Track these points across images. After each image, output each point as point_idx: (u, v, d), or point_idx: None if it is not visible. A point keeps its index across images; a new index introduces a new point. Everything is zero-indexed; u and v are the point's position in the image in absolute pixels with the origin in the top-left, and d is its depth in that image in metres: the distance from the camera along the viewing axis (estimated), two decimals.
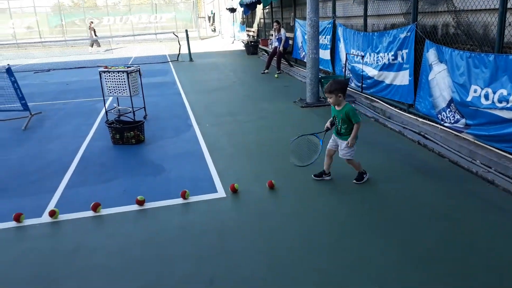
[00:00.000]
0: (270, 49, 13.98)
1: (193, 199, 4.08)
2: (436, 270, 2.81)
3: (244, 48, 19.69)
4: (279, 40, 12.12)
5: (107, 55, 20.07)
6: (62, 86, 11.42)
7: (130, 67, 6.89)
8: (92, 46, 23.01)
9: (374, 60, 7.15)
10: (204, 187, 4.36)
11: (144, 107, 7.43)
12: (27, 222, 3.75)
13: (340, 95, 3.92)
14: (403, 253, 3.03)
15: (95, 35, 22.88)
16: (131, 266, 3.03)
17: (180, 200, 4.05)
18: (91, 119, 7.45)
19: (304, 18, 12.03)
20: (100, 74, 6.84)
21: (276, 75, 11.73)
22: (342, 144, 4.10)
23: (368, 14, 7.67)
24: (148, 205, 3.96)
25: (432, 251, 3.03)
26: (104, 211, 3.88)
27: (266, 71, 12.29)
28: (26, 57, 20.71)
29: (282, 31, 12.04)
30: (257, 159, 5.15)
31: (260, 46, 16.53)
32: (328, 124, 4.25)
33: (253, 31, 20.03)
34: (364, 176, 4.25)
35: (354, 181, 4.24)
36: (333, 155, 4.27)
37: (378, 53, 6.99)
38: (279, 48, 12.10)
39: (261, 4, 15.00)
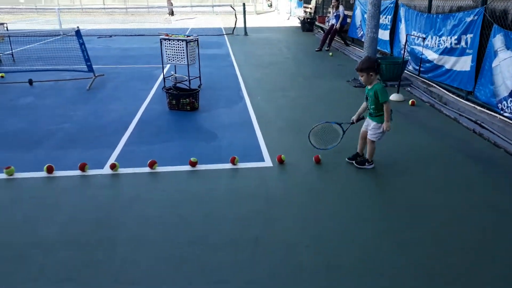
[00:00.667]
0: (327, 26, 13.73)
1: (241, 165, 4.27)
2: (484, 260, 2.82)
3: (299, 25, 19.44)
4: (337, 17, 11.88)
5: (166, 25, 20.57)
6: (123, 52, 11.97)
7: (189, 36, 7.11)
8: (171, 14, 24.36)
9: (435, 43, 6.89)
10: (253, 155, 4.53)
11: (200, 77, 7.67)
12: (91, 172, 4.11)
13: (371, 74, 3.84)
14: (441, 243, 3.05)
15: (172, 4, 24.05)
16: (182, 220, 3.28)
17: (229, 165, 4.25)
18: (149, 84, 7.82)
19: None
20: (160, 42, 7.12)
21: (330, 53, 11.57)
22: (371, 124, 4.03)
23: None
24: (200, 167, 4.20)
25: (478, 242, 3.03)
26: (159, 169, 4.17)
27: (322, 48, 12.15)
28: (90, 22, 21.69)
29: (341, 8, 11.77)
30: (305, 134, 5.22)
31: (317, 23, 16.26)
32: (354, 117, 4.22)
33: (311, 8, 19.66)
34: (367, 165, 4.17)
35: (355, 163, 4.22)
36: (365, 136, 4.20)
37: (440, 36, 6.72)
38: (336, 25, 11.87)
39: None
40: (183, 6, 28.28)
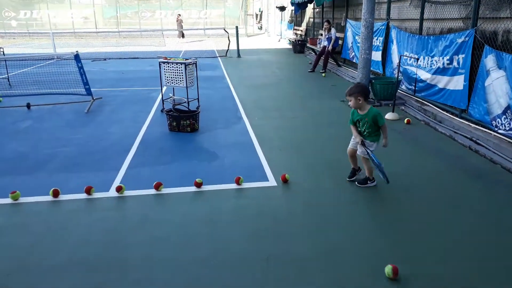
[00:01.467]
0: (318, 48, 14.04)
1: (246, 185, 4.31)
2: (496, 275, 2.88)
3: (290, 47, 19.79)
4: (329, 39, 12.17)
5: (160, 48, 20.80)
6: (118, 75, 12.07)
7: (187, 59, 7.24)
8: (180, 37, 24.80)
9: (427, 64, 7.10)
10: (256, 175, 4.58)
11: (198, 98, 7.77)
12: (96, 195, 4.12)
13: (359, 99, 3.92)
14: (452, 258, 3.11)
15: (182, 27, 24.38)
16: (191, 240, 3.29)
17: (234, 186, 4.30)
18: (147, 107, 7.89)
19: (356, 19, 12.03)
20: (159, 64, 7.23)
21: (323, 74, 11.81)
22: (367, 142, 4.04)
23: (424, 18, 7.61)
24: (205, 188, 4.24)
25: (478, 261, 3.09)
26: (165, 190, 4.19)
27: (315, 69, 12.40)
28: (84, 45, 21.86)
29: (333, 30, 12.08)
30: (305, 153, 5.32)
31: (308, 45, 16.59)
32: (358, 140, 4.05)
33: (301, 30, 20.11)
34: (369, 182, 4.21)
35: (357, 183, 4.25)
36: (355, 154, 4.26)
37: (432, 56, 6.94)
38: (328, 47, 12.15)
39: (312, 3, 15.07)
40: (174, 30, 28.62)
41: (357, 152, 4.18)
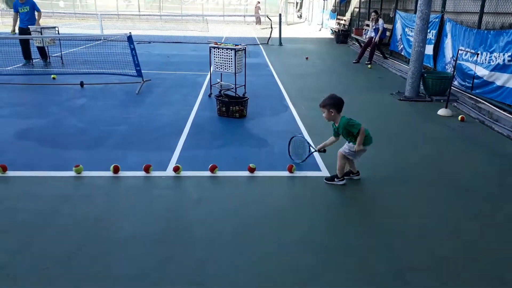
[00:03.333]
0: (364, 39, 13.75)
1: (298, 173, 4.33)
2: None
3: (332, 36, 19.50)
4: (376, 30, 11.88)
5: (203, 33, 20.97)
6: (163, 58, 12.29)
7: (237, 45, 7.27)
8: (257, 23, 25.14)
9: (485, 60, 6.82)
10: (308, 164, 4.58)
11: (245, 85, 7.81)
12: (154, 173, 4.25)
13: (331, 111, 3.86)
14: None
15: (259, 14, 24.65)
16: (250, 223, 3.35)
17: (286, 173, 4.32)
18: (195, 91, 8.01)
19: (406, 10, 11.68)
20: (210, 50, 7.30)
21: (369, 66, 11.58)
22: (349, 144, 4.01)
23: (484, 11, 7.29)
24: (258, 173, 4.29)
25: None
26: (219, 173, 4.28)
27: (360, 60, 12.18)
28: (129, 28, 22.32)
29: (380, 21, 11.77)
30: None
31: (353, 35, 16.28)
32: (319, 146, 4.25)
33: (345, 20, 19.71)
34: (336, 180, 4.07)
35: (324, 179, 4.14)
36: (346, 159, 4.13)
37: (491, 52, 6.65)
38: (375, 38, 11.88)
39: None
40: (216, 15, 28.75)
41: (341, 148, 4.07)
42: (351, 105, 7.06)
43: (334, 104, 3.86)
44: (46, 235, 3.10)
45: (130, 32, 8.17)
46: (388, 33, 12.42)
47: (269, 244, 3.05)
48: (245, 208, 3.60)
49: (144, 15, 30.09)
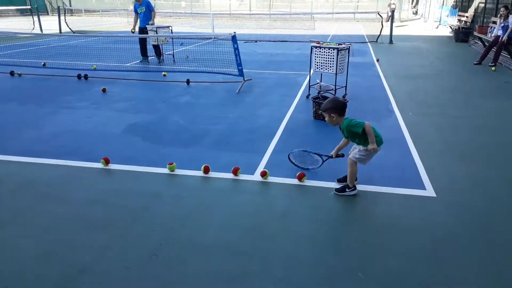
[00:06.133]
0: (489, 37, 12.14)
1: (396, 190, 3.87)
2: None
3: (450, 35, 17.66)
4: (504, 28, 10.37)
5: (309, 31, 20.74)
6: (267, 57, 12.35)
7: (341, 44, 6.88)
8: (387, 20, 25.08)
9: None
10: (410, 180, 4.08)
11: (346, 86, 7.39)
12: (242, 176, 4.16)
13: (333, 115, 3.66)
14: None
15: (390, 13, 24.32)
16: (336, 243, 3.05)
17: (386, 189, 3.89)
18: (293, 91, 7.83)
19: None
20: (311, 49, 7.04)
21: (493, 68, 10.16)
22: (357, 147, 3.77)
23: None
24: None
25: None
26: (307, 182, 4.02)
27: (482, 62, 10.78)
28: (238, 27, 23.10)
29: (510, 18, 10.24)
30: (474, 162, 4.55)
31: (476, 33, 14.51)
32: (333, 152, 4.07)
33: (467, 16, 17.68)
34: (347, 190, 3.76)
35: (335, 190, 3.82)
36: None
37: None
38: (502, 37, 10.37)
39: None
40: (324, 13, 28.23)
41: (349, 155, 3.84)
42: (474, 116, 6.21)
43: (334, 108, 3.70)
44: (133, 233, 3.19)
45: (234, 32, 8.29)
46: None
47: (352, 275, 2.72)
48: (333, 226, 3.31)
49: (254, 14, 30.88)
